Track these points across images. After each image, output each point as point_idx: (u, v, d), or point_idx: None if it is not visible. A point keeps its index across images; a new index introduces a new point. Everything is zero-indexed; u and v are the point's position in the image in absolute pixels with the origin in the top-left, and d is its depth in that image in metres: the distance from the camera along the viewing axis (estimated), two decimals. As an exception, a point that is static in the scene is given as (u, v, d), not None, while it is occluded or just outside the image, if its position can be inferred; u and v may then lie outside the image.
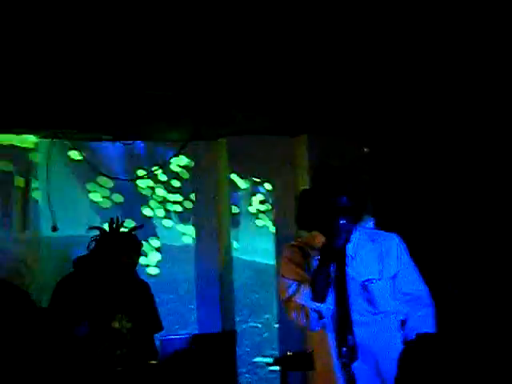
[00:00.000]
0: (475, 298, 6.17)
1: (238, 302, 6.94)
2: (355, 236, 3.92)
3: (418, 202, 6.61)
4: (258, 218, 7.14)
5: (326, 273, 3.78)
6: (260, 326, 7.11)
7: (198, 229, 7.01)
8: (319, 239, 3.94)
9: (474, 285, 6.20)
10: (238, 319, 6.90)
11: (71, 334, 5.18)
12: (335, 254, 3.80)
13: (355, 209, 3.89)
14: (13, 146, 6.31)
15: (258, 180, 7.05)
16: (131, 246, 5.41)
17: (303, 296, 3.82)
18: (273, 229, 7.03)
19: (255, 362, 6.89)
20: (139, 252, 5.46)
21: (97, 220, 6.56)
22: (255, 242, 7.14)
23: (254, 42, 5.47)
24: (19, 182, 6.29)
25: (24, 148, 6.35)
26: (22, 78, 5.43)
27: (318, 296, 3.80)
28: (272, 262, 6.90)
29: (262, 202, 7.10)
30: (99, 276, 5.34)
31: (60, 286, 5.39)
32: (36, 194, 6.38)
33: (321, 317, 3.82)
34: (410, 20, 5.47)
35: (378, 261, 3.96)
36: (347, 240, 3.84)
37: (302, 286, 3.84)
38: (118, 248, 5.33)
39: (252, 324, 7.01)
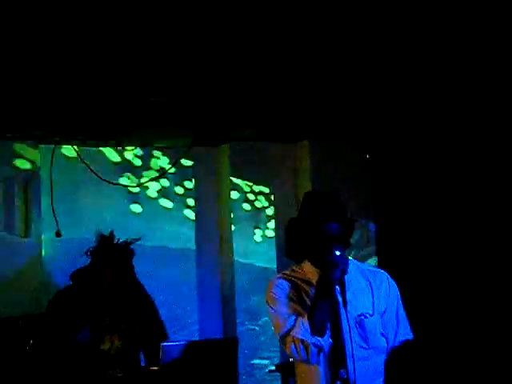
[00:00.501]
0: (476, 302, 6.18)
1: (237, 305, 6.96)
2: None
3: (419, 207, 6.61)
4: (258, 223, 7.14)
5: (325, 306, 3.71)
6: (257, 328, 7.13)
7: (199, 232, 7.02)
8: (309, 270, 3.90)
9: (476, 289, 6.20)
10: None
11: (72, 341, 5.18)
12: (333, 287, 3.75)
13: (345, 236, 3.84)
14: (16, 151, 6.32)
15: (259, 185, 7.06)
16: (127, 258, 5.39)
17: (302, 330, 3.72)
18: (274, 234, 7.05)
19: (252, 364, 6.90)
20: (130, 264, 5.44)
21: (99, 225, 6.57)
22: (255, 247, 7.15)
23: (255, 50, 5.47)
24: (22, 187, 6.29)
25: (27, 153, 6.35)
26: (24, 85, 5.44)
27: (318, 330, 3.73)
28: (273, 266, 6.93)
29: (263, 208, 7.10)
30: (96, 291, 5.30)
31: (56, 300, 5.35)
32: (39, 199, 6.38)
33: (320, 350, 3.77)
34: (409, 27, 5.47)
35: (370, 295, 3.91)
36: (344, 272, 3.78)
37: (300, 319, 3.77)
38: (114, 260, 5.30)
39: (249, 326, 7.02)
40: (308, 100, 6.28)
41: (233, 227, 7.00)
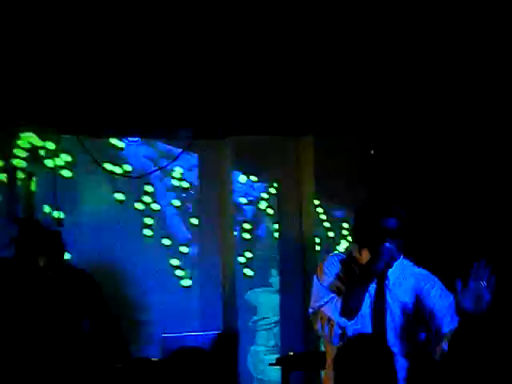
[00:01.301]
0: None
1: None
2: (398, 264, 3.91)
3: (422, 204, 6.59)
4: (261, 217, 7.13)
5: (360, 291, 3.78)
6: (255, 317, 7.19)
7: (200, 226, 7.02)
8: (366, 257, 3.94)
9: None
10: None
11: (76, 330, 5.13)
12: (373, 276, 3.81)
13: (402, 234, 3.90)
14: (20, 141, 6.32)
15: (262, 179, 7.05)
16: (57, 246, 4.97)
17: (333, 309, 3.80)
18: (276, 228, 7.05)
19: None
20: (62, 252, 5.03)
21: (101, 214, 6.58)
22: (257, 240, 7.14)
23: (260, 43, 5.46)
24: (26, 175, 6.29)
25: (31, 142, 6.34)
26: (33, 74, 5.45)
27: (348, 312, 3.79)
28: (274, 257, 6.96)
29: (265, 201, 7.09)
30: (22, 281, 4.92)
31: None
32: (42, 188, 6.38)
33: (344, 333, 3.81)
34: (414, 24, 5.47)
35: (414, 296, 3.95)
36: (389, 265, 3.84)
37: (335, 298, 3.83)
38: (41, 248, 4.89)
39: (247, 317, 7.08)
40: (312, 94, 6.27)
41: (235, 221, 6.99)
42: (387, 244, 3.79)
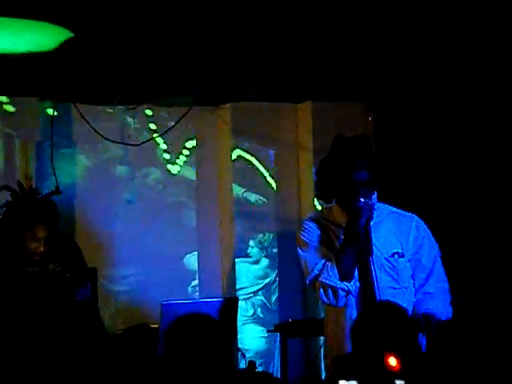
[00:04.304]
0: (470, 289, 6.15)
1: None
2: (376, 212, 3.91)
3: (421, 170, 6.59)
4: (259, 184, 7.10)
5: (351, 252, 3.81)
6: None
7: (199, 195, 7.00)
8: (338, 213, 3.94)
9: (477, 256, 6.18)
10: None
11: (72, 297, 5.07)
12: (360, 233, 3.81)
13: (373, 183, 3.89)
14: (15, 109, 6.27)
15: (261, 146, 7.02)
16: (49, 215, 4.49)
17: (331, 276, 3.87)
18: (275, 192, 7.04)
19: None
20: (57, 224, 4.56)
21: (97, 183, 6.57)
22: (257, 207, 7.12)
23: (258, 7, 5.43)
24: (22, 145, 6.26)
25: (27, 110, 6.30)
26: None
27: (345, 275, 3.83)
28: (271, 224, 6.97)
29: (264, 168, 7.07)
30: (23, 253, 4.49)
31: None
32: (39, 157, 6.35)
33: (348, 294, 3.85)
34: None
35: (399, 237, 3.97)
36: (370, 218, 3.84)
37: (329, 264, 3.87)
38: (32, 217, 4.43)
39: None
40: (311, 59, 6.24)
41: (233, 189, 6.97)
42: (362, 198, 3.77)
